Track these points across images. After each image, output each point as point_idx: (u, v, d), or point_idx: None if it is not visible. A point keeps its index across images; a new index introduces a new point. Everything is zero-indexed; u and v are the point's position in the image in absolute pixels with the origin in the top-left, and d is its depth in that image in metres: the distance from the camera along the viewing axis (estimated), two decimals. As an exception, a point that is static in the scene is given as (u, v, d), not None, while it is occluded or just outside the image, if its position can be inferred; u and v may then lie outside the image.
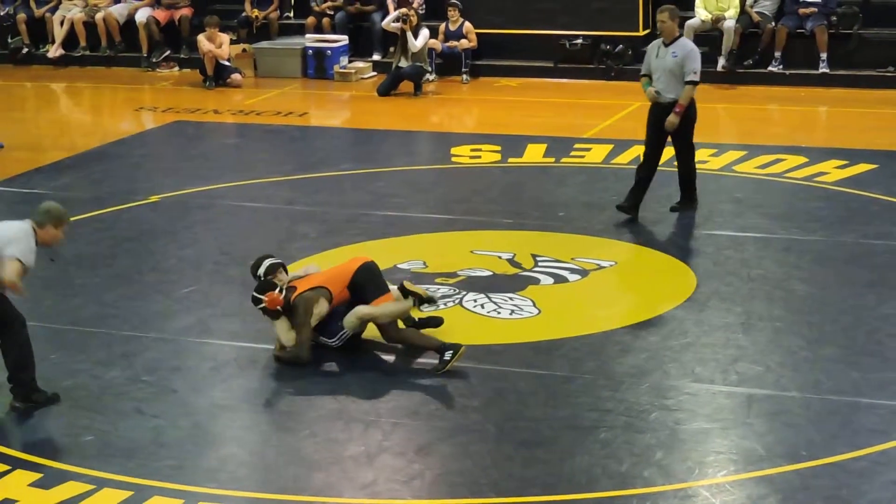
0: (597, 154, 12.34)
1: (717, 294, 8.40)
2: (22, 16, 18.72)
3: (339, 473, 6.16)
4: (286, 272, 7.72)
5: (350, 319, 7.41)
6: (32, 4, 18.92)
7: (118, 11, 18.43)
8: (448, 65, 16.76)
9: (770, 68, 15.85)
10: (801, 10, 15.75)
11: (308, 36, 17.43)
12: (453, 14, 16.62)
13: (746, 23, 15.90)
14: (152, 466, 6.22)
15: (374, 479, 6.08)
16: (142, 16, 18.11)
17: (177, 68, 18.04)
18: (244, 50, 17.50)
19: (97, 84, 17.51)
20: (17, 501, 5.95)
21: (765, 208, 10.46)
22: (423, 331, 7.65)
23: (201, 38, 16.79)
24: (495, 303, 8.32)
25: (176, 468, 6.22)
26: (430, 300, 7.47)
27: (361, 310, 7.38)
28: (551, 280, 8.75)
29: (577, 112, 14.68)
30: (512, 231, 9.97)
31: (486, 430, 6.57)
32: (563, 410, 6.78)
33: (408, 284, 7.48)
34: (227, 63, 16.87)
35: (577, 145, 12.72)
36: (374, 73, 17.09)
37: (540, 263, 9.07)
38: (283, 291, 7.42)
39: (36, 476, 6.16)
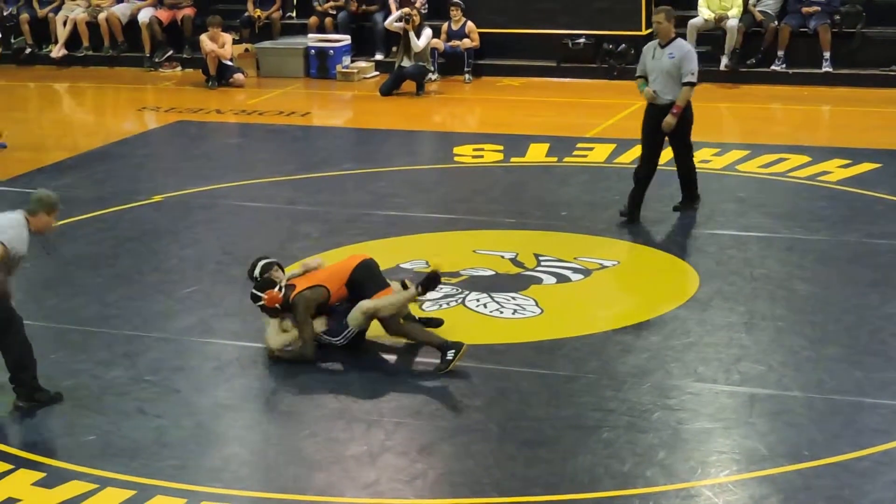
0: (599, 153, 12.33)
1: (719, 293, 8.40)
2: (25, 16, 18.74)
3: (341, 473, 6.16)
4: (282, 271, 7.73)
5: (354, 315, 7.40)
6: (35, 5, 18.94)
7: (121, 11, 18.44)
8: (450, 64, 16.76)
9: (773, 67, 15.83)
10: (805, 9, 15.74)
11: (310, 36, 17.44)
12: (456, 13, 16.62)
13: (749, 22, 15.89)
14: (155, 466, 6.22)
15: (377, 478, 6.08)
16: (144, 16, 18.13)
17: (179, 68, 18.05)
18: (247, 50, 17.51)
19: (100, 84, 17.52)
20: (20, 501, 5.95)
21: (768, 207, 10.45)
22: None
23: (204, 37, 16.80)
24: (498, 302, 8.32)
25: (179, 468, 6.22)
26: (434, 279, 7.39)
27: (365, 304, 7.38)
28: (554, 280, 8.75)
29: (580, 111, 14.68)
30: (514, 231, 9.96)
31: (488, 430, 6.56)
32: (566, 410, 6.78)
33: (434, 261, 7.40)
34: (229, 63, 16.88)
35: (579, 145, 12.72)
36: (377, 73, 17.09)
37: (542, 263, 9.07)
38: (282, 290, 7.43)
39: (39, 475, 6.17)
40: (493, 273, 8.88)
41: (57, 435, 6.64)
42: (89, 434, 6.59)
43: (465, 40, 16.57)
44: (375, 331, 7.68)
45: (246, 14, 17.99)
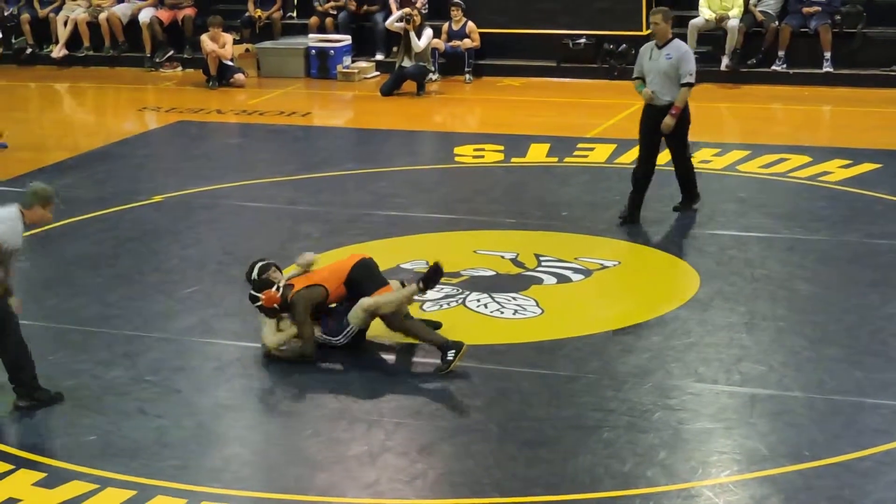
0: (600, 153, 12.33)
1: (720, 294, 8.39)
2: (26, 16, 18.74)
3: (342, 473, 6.16)
4: (280, 272, 7.74)
5: (355, 313, 7.39)
6: (36, 5, 18.94)
7: (121, 11, 18.45)
8: (451, 64, 16.76)
9: (774, 67, 15.83)
10: (805, 9, 15.74)
11: (311, 36, 17.44)
12: (456, 14, 16.63)
13: (750, 22, 15.89)
14: (156, 466, 6.22)
15: (377, 478, 6.08)
16: (145, 16, 18.13)
17: (180, 68, 18.05)
18: (247, 50, 17.51)
19: (100, 84, 17.52)
20: (21, 501, 5.95)
21: (768, 208, 10.45)
22: None
23: (204, 38, 16.80)
24: (498, 302, 8.32)
25: (179, 468, 6.22)
26: (436, 273, 7.39)
27: (366, 301, 7.38)
28: (554, 280, 8.75)
29: (581, 111, 14.68)
30: (515, 231, 9.96)
31: (488, 430, 6.56)
32: (567, 410, 6.78)
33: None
34: (230, 63, 16.88)
35: (580, 145, 12.72)
36: (378, 73, 17.09)
37: (543, 263, 9.07)
38: (280, 289, 7.44)
39: (40, 475, 6.17)
40: (494, 273, 8.88)
41: (57, 435, 6.64)
42: (90, 434, 6.59)
43: (466, 40, 16.57)
44: (375, 331, 7.69)
45: (247, 14, 17.99)
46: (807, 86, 15.52)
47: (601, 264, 9.05)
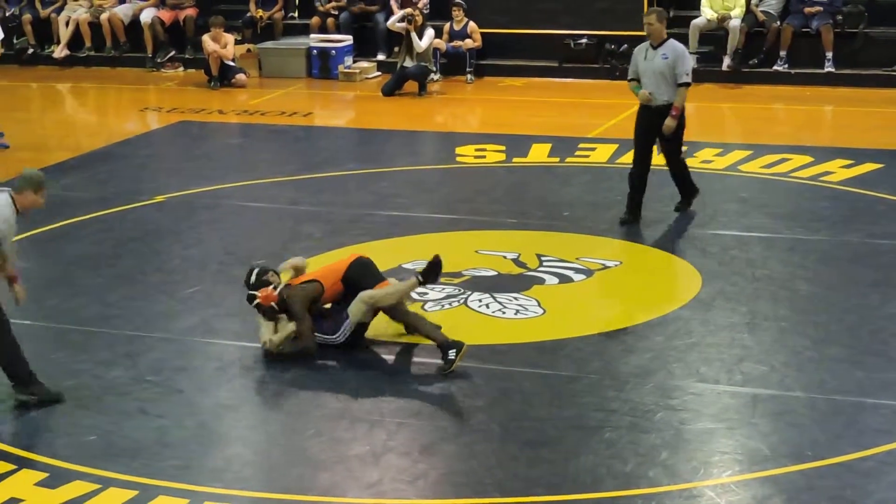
0: (601, 153, 12.33)
1: (721, 294, 8.39)
2: (27, 16, 18.76)
3: (343, 473, 6.16)
4: (278, 276, 7.76)
5: (356, 305, 7.40)
6: (38, 5, 18.96)
7: (123, 12, 18.45)
8: (452, 64, 16.76)
9: (775, 67, 15.83)
10: (807, 9, 15.74)
11: (312, 36, 17.44)
12: (458, 14, 16.63)
13: (752, 22, 15.89)
14: (157, 466, 6.22)
15: (379, 478, 6.08)
16: (146, 16, 18.14)
17: (181, 68, 18.06)
18: (249, 50, 17.52)
19: (102, 84, 17.53)
20: (23, 501, 5.95)
21: (770, 208, 10.45)
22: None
23: (206, 38, 16.81)
24: (500, 302, 8.32)
25: (181, 468, 6.22)
26: (435, 266, 7.39)
27: (365, 293, 7.39)
28: (556, 280, 8.74)
29: (582, 111, 14.68)
30: (517, 231, 9.96)
31: (490, 430, 6.56)
32: (568, 410, 6.77)
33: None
34: (231, 63, 16.89)
35: (581, 145, 12.72)
36: (379, 73, 17.09)
37: (545, 263, 9.07)
38: (278, 289, 7.46)
39: (41, 475, 6.17)
40: (496, 273, 8.88)
41: (59, 435, 6.64)
42: (91, 434, 6.59)
43: (468, 40, 16.57)
44: (376, 331, 7.69)
45: (248, 14, 18.00)
46: (808, 86, 15.52)
47: (603, 264, 9.05)
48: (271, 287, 7.50)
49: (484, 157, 12.44)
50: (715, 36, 16.00)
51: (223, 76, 16.76)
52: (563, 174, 11.77)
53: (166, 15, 18.18)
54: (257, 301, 7.49)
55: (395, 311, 7.49)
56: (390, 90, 15.83)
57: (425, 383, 7.24)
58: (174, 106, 15.62)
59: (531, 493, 5.92)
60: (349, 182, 11.62)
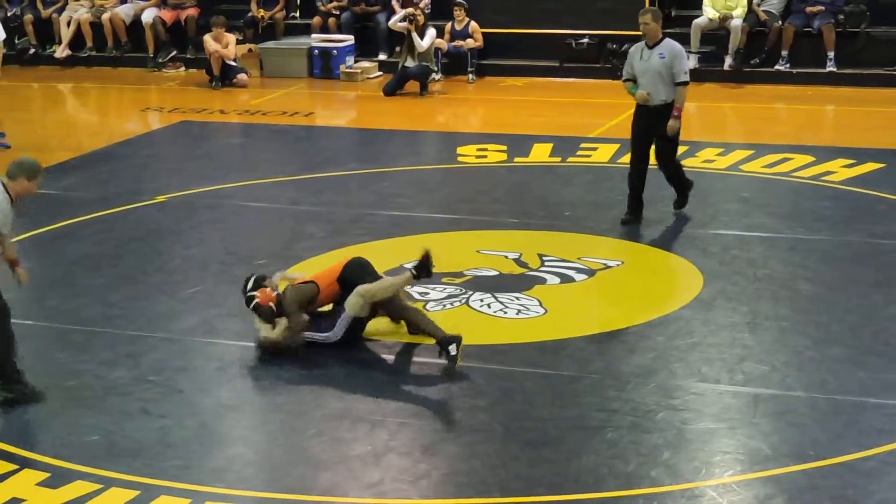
0: (603, 153, 12.33)
1: (723, 294, 8.39)
2: (29, 16, 18.77)
3: (345, 473, 6.16)
4: (275, 283, 7.80)
5: (352, 299, 7.41)
6: (39, 5, 18.97)
7: (124, 12, 18.47)
8: (454, 64, 16.77)
9: (777, 67, 15.83)
10: (809, 9, 15.74)
11: (314, 36, 17.45)
12: (459, 14, 16.63)
13: (753, 21, 15.89)
14: (159, 466, 6.22)
15: (381, 478, 6.08)
16: (148, 16, 18.15)
17: (183, 68, 18.06)
18: (250, 50, 17.52)
19: (103, 84, 17.54)
20: (24, 501, 5.96)
21: (771, 207, 10.44)
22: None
23: (207, 38, 16.81)
24: (502, 302, 8.32)
25: (183, 468, 6.22)
26: (425, 264, 7.42)
27: (361, 287, 7.41)
28: (558, 280, 8.74)
29: (584, 111, 14.68)
30: (518, 231, 9.96)
31: (492, 430, 6.56)
32: (570, 410, 6.77)
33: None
34: (233, 63, 16.89)
35: (583, 145, 12.72)
36: (380, 73, 17.10)
37: (546, 263, 9.06)
38: (276, 290, 7.49)
39: (43, 475, 6.17)
40: (497, 273, 8.87)
41: (61, 435, 6.64)
42: (93, 434, 6.59)
43: (469, 40, 16.57)
44: (376, 331, 7.70)
45: (249, 14, 18.01)
46: (810, 85, 15.52)
47: (604, 264, 9.05)
48: (269, 288, 7.53)
49: (485, 156, 12.44)
50: (716, 35, 16.00)
51: (224, 76, 16.77)
52: (565, 174, 11.77)
53: (168, 15, 18.19)
54: (256, 302, 7.51)
55: (393, 307, 7.51)
56: (392, 90, 15.84)
57: (426, 383, 7.24)
58: (175, 106, 15.63)
59: (533, 492, 5.92)
60: (350, 182, 11.62)
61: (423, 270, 7.45)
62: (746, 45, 15.83)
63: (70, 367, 7.47)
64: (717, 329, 7.81)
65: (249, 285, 7.68)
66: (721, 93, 15.46)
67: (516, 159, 12.28)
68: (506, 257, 9.18)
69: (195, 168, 12.42)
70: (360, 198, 11.00)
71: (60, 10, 18.79)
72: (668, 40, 9.80)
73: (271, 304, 7.51)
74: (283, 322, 7.49)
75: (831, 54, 15.59)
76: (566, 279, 8.76)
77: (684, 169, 10.24)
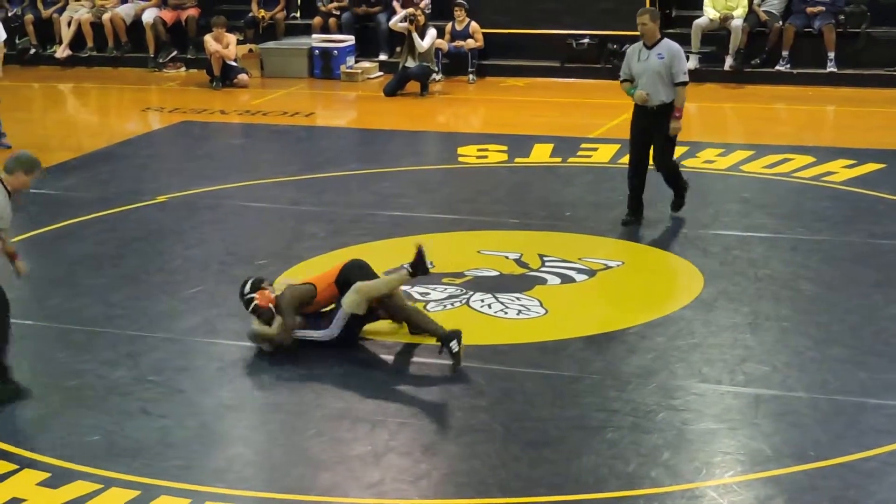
0: (604, 154, 12.33)
1: (724, 294, 8.39)
2: (29, 17, 18.78)
3: (345, 473, 6.16)
4: (271, 287, 7.81)
5: (349, 296, 7.42)
6: (40, 5, 18.97)
7: (125, 12, 18.47)
8: (455, 65, 16.77)
9: (777, 67, 15.83)
10: (809, 9, 15.74)
11: (314, 36, 17.45)
12: (460, 14, 16.63)
13: (754, 22, 15.89)
14: (159, 466, 6.22)
15: (381, 478, 6.08)
16: (148, 16, 18.15)
17: (183, 69, 18.07)
18: (251, 50, 17.52)
19: (104, 84, 17.54)
20: (25, 500, 5.96)
21: (772, 208, 10.44)
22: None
23: (208, 38, 16.81)
24: (502, 303, 8.32)
25: (183, 468, 6.22)
26: (420, 261, 7.43)
27: (358, 284, 7.43)
28: (558, 280, 8.74)
29: (584, 112, 14.68)
30: (519, 231, 9.96)
31: (492, 430, 6.56)
32: (570, 410, 6.77)
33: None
34: (233, 63, 16.89)
35: (583, 145, 12.72)
36: (381, 73, 17.10)
37: (547, 263, 9.06)
38: (274, 292, 7.51)
39: (44, 475, 6.17)
40: (498, 273, 8.87)
41: (61, 435, 6.64)
42: (94, 434, 6.59)
43: (469, 41, 16.57)
44: (376, 331, 7.70)
45: (250, 14, 18.01)
46: (810, 86, 15.52)
47: (605, 264, 9.05)
48: (268, 291, 7.56)
49: (486, 157, 12.44)
50: (717, 36, 16.00)
51: (225, 76, 16.77)
52: (566, 174, 11.77)
53: (168, 15, 18.19)
54: (255, 304, 7.52)
55: (394, 307, 7.52)
56: (392, 90, 15.84)
57: (427, 383, 7.23)
58: (176, 106, 15.63)
59: (533, 493, 5.92)
60: (351, 182, 11.62)
61: (419, 267, 7.46)
62: (747, 45, 15.83)
63: (71, 366, 7.47)
64: (717, 329, 7.81)
65: (247, 288, 7.70)
66: (721, 93, 15.46)
67: (517, 160, 12.28)
68: (506, 258, 9.18)
69: (196, 168, 12.42)
70: (361, 198, 11.00)
71: (61, 11, 18.80)
72: (666, 40, 9.79)
73: (270, 305, 7.52)
74: (278, 320, 7.51)
75: (832, 55, 15.59)
76: (567, 279, 8.76)
77: (682, 170, 10.24)
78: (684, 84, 9.67)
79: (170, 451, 6.40)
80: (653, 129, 9.74)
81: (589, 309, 8.31)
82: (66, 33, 18.56)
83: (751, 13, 15.88)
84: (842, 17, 15.72)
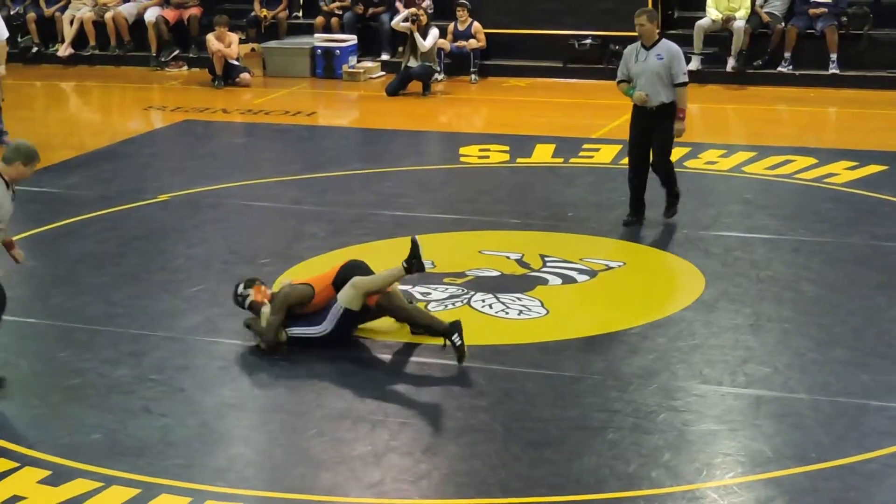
0: (605, 154, 12.33)
1: (725, 295, 8.39)
2: (32, 15, 18.78)
3: (346, 473, 6.16)
4: (265, 285, 7.84)
5: (345, 291, 7.44)
6: (42, 4, 18.98)
7: (127, 11, 18.48)
8: (457, 65, 16.77)
9: (780, 69, 15.83)
10: (812, 11, 15.73)
11: (317, 35, 17.45)
12: (462, 14, 16.63)
13: (756, 23, 15.89)
14: (160, 465, 6.22)
15: (382, 478, 6.08)
16: (151, 15, 18.15)
17: (186, 67, 18.07)
18: (253, 49, 17.53)
19: (106, 83, 17.54)
20: (25, 498, 5.96)
21: (774, 209, 10.44)
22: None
23: (210, 37, 16.82)
24: (503, 303, 8.32)
25: (184, 467, 6.22)
26: (415, 253, 7.44)
27: (355, 279, 7.45)
28: (559, 280, 8.74)
29: (586, 112, 14.68)
30: (520, 231, 9.96)
31: (493, 430, 6.56)
32: (571, 411, 6.77)
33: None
34: (235, 62, 16.89)
35: (585, 145, 12.72)
36: (383, 73, 17.10)
37: (548, 264, 9.06)
38: (270, 289, 7.56)
39: (45, 473, 6.17)
40: (499, 274, 8.87)
41: (62, 433, 6.64)
42: (95, 432, 6.59)
43: (472, 41, 16.58)
44: (376, 330, 7.69)
45: (252, 14, 18.01)
46: (813, 87, 15.52)
47: (606, 265, 9.05)
48: (265, 287, 7.59)
49: (488, 157, 12.44)
50: (719, 37, 15.99)
51: (227, 75, 16.77)
52: (567, 175, 11.77)
53: (170, 14, 18.20)
54: (251, 300, 7.56)
55: (393, 308, 7.54)
56: (394, 90, 15.84)
57: (427, 383, 7.23)
58: (178, 105, 15.63)
59: (534, 493, 5.92)
60: (353, 182, 11.62)
61: (414, 261, 7.45)
62: (749, 46, 15.82)
63: (73, 365, 7.47)
64: (719, 331, 7.81)
65: (239, 289, 7.75)
66: (724, 94, 15.45)
67: (519, 160, 12.28)
68: (508, 258, 9.18)
69: (198, 167, 12.42)
70: (363, 198, 11.00)
71: (63, 9, 18.80)
72: (664, 41, 9.78)
73: (265, 300, 7.55)
74: (264, 313, 7.53)
75: (834, 56, 15.58)
76: (568, 280, 8.76)
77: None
78: (684, 85, 9.66)
79: (171, 450, 6.40)
80: (652, 129, 9.73)
81: (590, 309, 8.31)
82: (69, 32, 18.57)
83: (753, 14, 15.88)
84: (844, 18, 15.72)
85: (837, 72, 15.60)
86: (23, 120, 14.45)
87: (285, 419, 6.84)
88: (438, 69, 16.33)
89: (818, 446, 6.27)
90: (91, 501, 5.92)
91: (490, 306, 8.27)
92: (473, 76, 16.64)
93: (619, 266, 9.06)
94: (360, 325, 7.71)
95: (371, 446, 6.39)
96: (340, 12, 17.66)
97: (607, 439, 6.40)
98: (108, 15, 18.42)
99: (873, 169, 11.48)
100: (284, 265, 9.01)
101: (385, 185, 11.40)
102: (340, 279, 7.58)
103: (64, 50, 18.54)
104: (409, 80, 15.89)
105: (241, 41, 17.30)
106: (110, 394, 7.09)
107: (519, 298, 8.39)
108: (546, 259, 9.15)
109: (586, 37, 16.58)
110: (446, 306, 8.24)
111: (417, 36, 15.75)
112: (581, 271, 8.91)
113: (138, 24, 18.36)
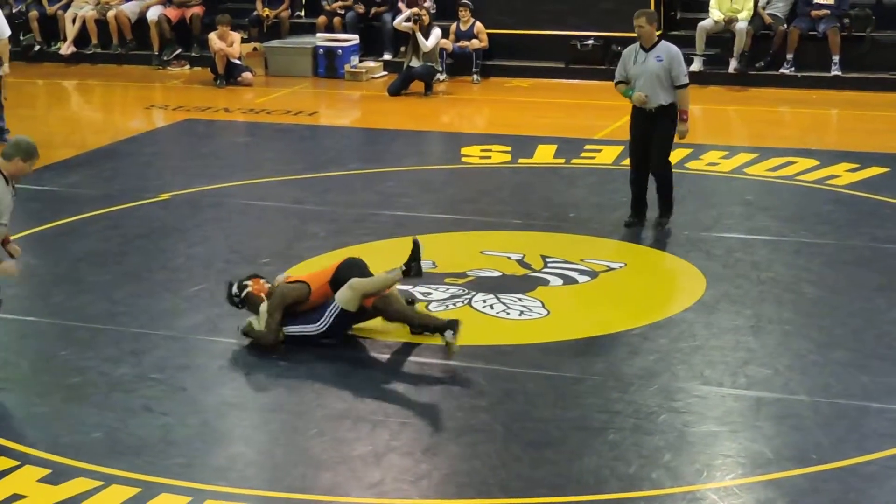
0: (607, 155, 12.33)
1: (726, 296, 8.39)
2: (34, 13, 18.79)
3: (346, 473, 6.16)
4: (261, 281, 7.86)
5: (343, 291, 7.44)
6: (44, 2, 18.99)
7: (130, 9, 18.48)
8: (459, 65, 16.77)
9: (782, 70, 15.82)
10: (814, 12, 15.73)
11: (319, 35, 17.45)
12: (464, 14, 16.63)
13: (758, 24, 15.89)
14: (161, 464, 6.22)
15: (382, 478, 6.08)
16: (153, 14, 18.16)
17: (188, 66, 18.07)
18: (255, 49, 17.53)
19: (108, 82, 17.55)
20: (25, 497, 5.96)
21: (775, 211, 10.44)
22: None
23: (212, 36, 16.82)
24: (504, 303, 8.32)
25: (184, 466, 6.22)
26: (415, 255, 7.46)
27: (353, 280, 7.45)
28: (561, 281, 8.74)
29: (588, 113, 14.67)
30: (521, 232, 9.96)
31: (494, 431, 6.56)
32: (572, 411, 6.77)
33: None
34: (237, 62, 16.90)
35: (587, 146, 12.72)
36: (385, 73, 17.10)
37: (549, 264, 9.06)
38: (269, 283, 7.58)
39: (45, 472, 6.17)
40: (500, 274, 8.88)
41: (63, 431, 6.64)
42: (95, 431, 6.60)
43: (474, 41, 16.58)
44: (376, 330, 7.70)
45: (255, 13, 18.01)
46: (815, 89, 15.51)
47: (607, 266, 9.05)
48: (263, 280, 7.60)
49: (489, 157, 12.44)
50: (721, 38, 15.99)
51: (229, 74, 16.78)
52: (569, 175, 11.77)
53: (173, 13, 18.20)
54: (248, 291, 7.58)
55: (392, 311, 7.54)
56: (396, 90, 15.84)
57: (427, 383, 7.24)
58: (180, 104, 15.64)
59: (534, 493, 5.92)
60: (354, 181, 11.62)
61: (413, 264, 7.45)
62: (751, 48, 15.82)
63: (74, 363, 7.47)
64: (720, 332, 7.81)
65: (234, 289, 7.78)
66: (726, 96, 15.45)
67: (520, 160, 12.28)
68: (509, 258, 9.18)
69: (199, 166, 12.42)
70: (364, 197, 11.00)
71: (66, 7, 18.81)
72: (664, 42, 9.77)
73: (262, 294, 7.58)
74: (263, 311, 7.53)
75: (836, 58, 15.58)
76: (569, 281, 8.76)
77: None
78: (685, 86, 9.66)
79: (171, 449, 6.40)
80: (651, 131, 9.73)
81: (591, 310, 8.31)
82: (71, 30, 18.57)
83: (755, 16, 15.87)
84: (846, 20, 15.71)
85: (839, 73, 15.60)
86: (25, 118, 14.45)
87: (286, 419, 6.84)
88: (440, 69, 16.33)
89: (818, 448, 6.27)
90: (91, 500, 5.92)
91: (491, 307, 8.27)
92: (475, 76, 16.64)
93: (621, 267, 9.06)
94: (357, 325, 7.71)
95: (371, 446, 6.40)
96: (343, 12, 17.66)
97: (608, 440, 6.40)
98: (111, 13, 18.43)
99: (875, 171, 11.48)
100: (285, 265, 9.00)
101: (386, 185, 11.40)
102: (338, 279, 7.58)
103: (66, 48, 18.55)
104: (411, 80, 15.90)
105: (244, 40, 17.30)
106: (111, 392, 7.09)
107: (520, 299, 8.39)
108: (547, 260, 9.15)
109: (588, 37, 16.58)
110: (447, 306, 8.24)
111: (420, 36, 15.75)
112: (582, 272, 8.91)
113: (141, 22, 18.36)
